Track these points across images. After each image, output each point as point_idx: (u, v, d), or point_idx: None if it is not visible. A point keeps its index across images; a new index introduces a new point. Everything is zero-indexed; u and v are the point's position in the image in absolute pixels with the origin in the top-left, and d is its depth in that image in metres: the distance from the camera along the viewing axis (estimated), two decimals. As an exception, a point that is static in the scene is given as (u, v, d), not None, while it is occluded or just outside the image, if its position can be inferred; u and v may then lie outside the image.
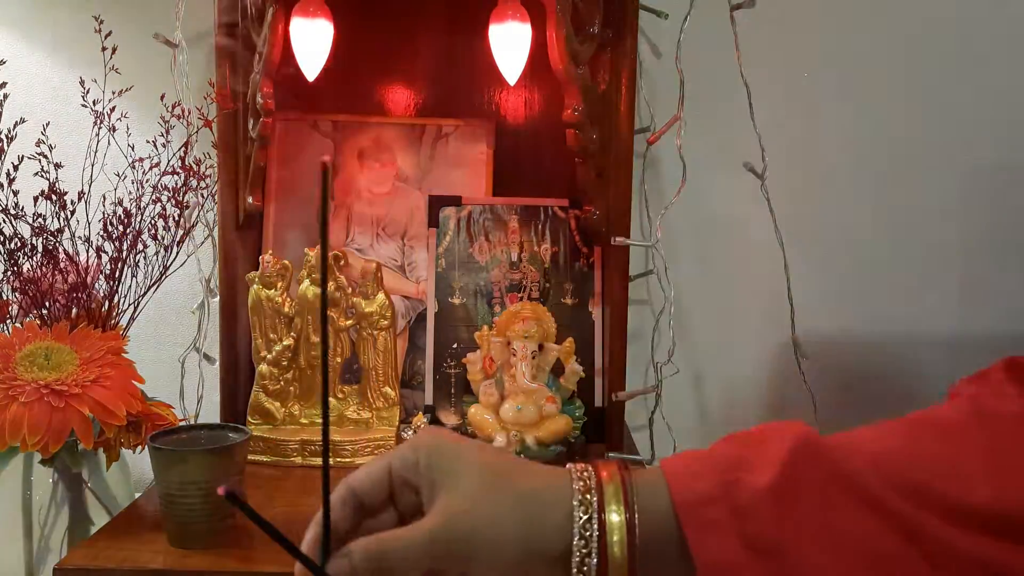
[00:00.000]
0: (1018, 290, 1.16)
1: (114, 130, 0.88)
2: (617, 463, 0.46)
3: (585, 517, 0.43)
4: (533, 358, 0.92)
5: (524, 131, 1.12)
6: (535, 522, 0.43)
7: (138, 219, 0.87)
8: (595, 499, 0.43)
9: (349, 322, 0.95)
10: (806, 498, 0.43)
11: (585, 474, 0.45)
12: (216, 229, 1.01)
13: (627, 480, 0.45)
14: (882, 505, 0.43)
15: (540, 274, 1.05)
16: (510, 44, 0.95)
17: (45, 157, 0.83)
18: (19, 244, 0.83)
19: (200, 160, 0.90)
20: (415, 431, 0.91)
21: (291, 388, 0.96)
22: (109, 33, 0.86)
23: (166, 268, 0.89)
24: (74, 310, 0.83)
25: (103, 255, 0.85)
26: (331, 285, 0.94)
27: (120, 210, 0.86)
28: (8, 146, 0.82)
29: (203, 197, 0.92)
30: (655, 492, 0.44)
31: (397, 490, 0.47)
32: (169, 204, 0.88)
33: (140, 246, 0.87)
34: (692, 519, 0.43)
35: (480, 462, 0.45)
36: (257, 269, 0.95)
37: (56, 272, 0.83)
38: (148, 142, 0.89)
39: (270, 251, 0.97)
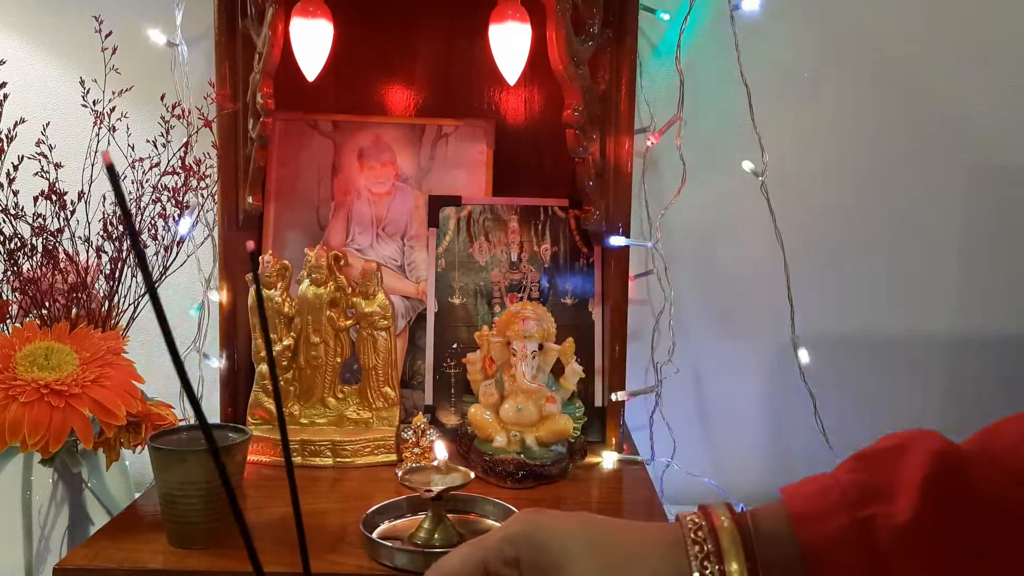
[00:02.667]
0: (1018, 290, 1.16)
1: (114, 130, 0.88)
2: (729, 508, 0.46)
3: None
4: (533, 358, 0.92)
5: (524, 131, 1.12)
6: None
7: (138, 219, 0.87)
8: (716, 566, 0.43)
9: (349, 322, 0.95)
10: (947, 534, 0.41)
11: (700, 534, 0.45)
12: (216, 229, 1.01)
13: (746, 527, 0.44)
14: None
15: (540, 274, 1.05)
16: (510, 44, 0.95)
17: (45, 157, 0.83)
18: (19, 244, 0.83)
19: (200, 160, 0.90)
20: (428, 438, 0.91)
21: (291, 388, 0.96)
22: (109, 33, 0.86)
23: (166, 268, 0.89)
24: (74, 310, 0.83)
25: (103, 255, 0.85)
26: (331, 285, 0.94)
27: (120, 210, 0.85)
28: (8, 146, 0.82)
29: (203, 197, 0.92)
30: (779, 535, 0.44)
31: None
32: (169, 204, 0.88)
33: (140, 246, 0.87)
34: (826, 565, 0.42)
35: (590, 551, 0.45)
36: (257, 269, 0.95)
37: (56, 272, 0.83)
38: (148, 142, 0.89)
39: (270, 251, 0.97)
